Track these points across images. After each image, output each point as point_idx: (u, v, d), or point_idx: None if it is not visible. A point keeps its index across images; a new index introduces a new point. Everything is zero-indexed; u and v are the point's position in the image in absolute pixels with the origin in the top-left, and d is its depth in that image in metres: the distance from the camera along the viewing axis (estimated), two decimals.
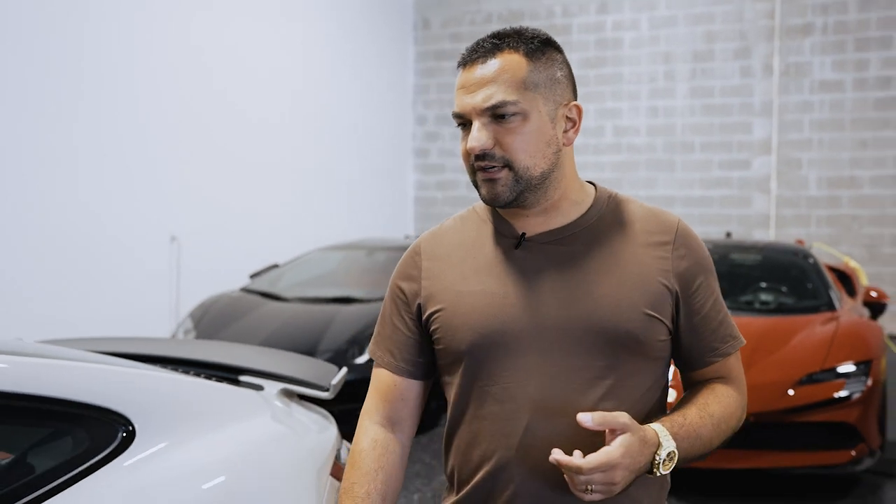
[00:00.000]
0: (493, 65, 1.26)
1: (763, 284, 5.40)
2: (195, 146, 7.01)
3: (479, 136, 1.26)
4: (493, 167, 1.26)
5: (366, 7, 9.37)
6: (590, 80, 9.56)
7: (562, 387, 1.29)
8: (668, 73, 9.27)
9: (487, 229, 1.39)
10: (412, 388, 1.47)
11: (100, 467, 1.72)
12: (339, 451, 2.39)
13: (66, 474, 1.66)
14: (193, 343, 3.81)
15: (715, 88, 9.14)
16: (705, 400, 1.32)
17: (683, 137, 9.22)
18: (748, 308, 5.14)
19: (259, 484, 2.00)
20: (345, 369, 2.81)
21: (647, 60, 9.35)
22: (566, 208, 1.34)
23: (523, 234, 1.34)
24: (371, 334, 5.64)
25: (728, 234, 8.30)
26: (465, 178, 10.03)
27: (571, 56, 9.51)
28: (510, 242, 1.35)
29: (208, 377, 2.44)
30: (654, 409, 1.34)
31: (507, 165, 1.26)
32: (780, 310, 5.07)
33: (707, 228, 9.02)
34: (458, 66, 1.32)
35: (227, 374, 2.60)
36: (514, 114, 1.25)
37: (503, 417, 1.31)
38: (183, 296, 6.85)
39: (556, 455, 1.16)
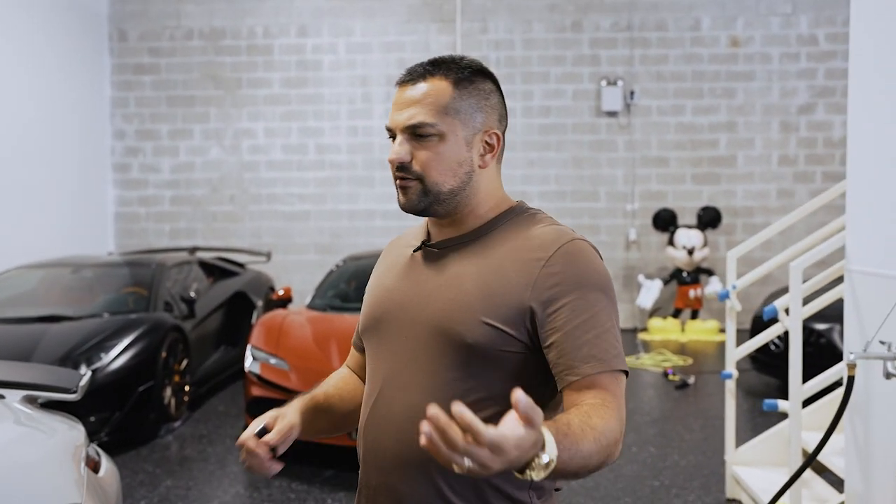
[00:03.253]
0: (421, 88, 1.42)
1: None
2: None
3: (399, 149, 1.42)
4: (408, 178, 1.43)
5: (55, 15, 8.96)
6: (292, 98, 9.99)
7: (408, 374, 1.43)
8: (365, 95, 9.98)
9: (418, 234, 1.57)
10: (362, 360, 1.65)
11: None
12: (88, 448, 2.58)
13: None
14: None
15: None
16: (588, 412, 1.27)
17: (381, 155, 9.96)
18: None
19: (14, 479, 2.16)
20: (89, 372, 2.90)
21: (345, 83, 9.98)
22: (471, 221, 1.47)
23: (424, 241, 1.51)
24: (84, 351, 5.73)
25: None
26: (169, 193, 9.98)
27: (273, 75, 9.92)
28: (416, 246, 1.52)
29: None
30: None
31: (419, 178, 1.42)
32: None
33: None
34: (396, 84, 1.47)
35: None
36: (431, 135, 1.40)
37: (367, 394, 1.51)
38: None
39: (457, 408, 1.05)
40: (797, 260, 3.32)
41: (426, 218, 1.54)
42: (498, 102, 1.48)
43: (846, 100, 10.77)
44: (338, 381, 1.67)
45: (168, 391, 5.65)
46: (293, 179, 10.02)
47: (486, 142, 1.46)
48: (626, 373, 1.37)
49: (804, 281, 3.50)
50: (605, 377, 1.32)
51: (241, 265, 8.26)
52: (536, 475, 1.13)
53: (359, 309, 5.41)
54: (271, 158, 10.03)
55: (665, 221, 9.36)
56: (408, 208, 1.45)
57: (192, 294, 6.44)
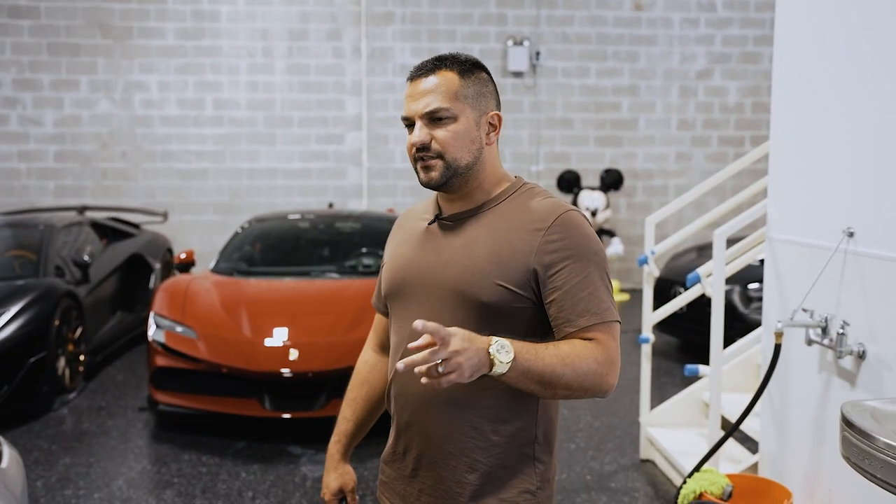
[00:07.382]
0: (432, 80, 1.64)
1: (364, 249, 6.04)
2: None
3: (420, 133, 1.62)
4: (431, 157, 1.62)
5: None
6: (188, 50, 9.49)
7: None
8: (266, 49, 9.58)
9: (429, 208, 1.78)
10: (387, 322, 1.86)
11: None
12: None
13: None
14: None
15: (310, 67, 9.66)
16: (558, 342, 1.55)
17: (283, 112, 9.63)
18: (353, 271, 5.75)
19: None
20: None
21: (245, 36, 9.54)
22: (479, 196, 1.69)
23: (437, 214, 1.72)
24: None
25: (330, 205, 8.97)
26: (54, 148, 9.46)
27: (167, 25, 9.40)
28: (430, 220, 1.73)
29: None
30: None
31: (440, 156, 1.62)
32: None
33: (308, 199, 9.58)
34: (407, 80, 1.69)
35: None
36: (447, 117, 1.62)
37: (396, 346, 1.74)
38: None
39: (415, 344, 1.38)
40: (721, 228, 3.36)
41: (435, 194, 1.76)
42: (494, 90, 1.71)
43: (741, 66, 11.14)
44: (360, 389, 1.92)
45: (62, 361, 5.32)
46: (190, 136, 9.57)
47: (490, 122, 1.69)
48: (619, 322, 1.61)
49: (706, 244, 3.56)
50: (598, 328, 1.57)
51: (136, 226, 7.86)
52: (502, 365, 1.41)
53: (267, 273, 5.35)
54: (166, 113, 9.53)
55: (569, 183, 9.46)
56: (432, 184, 1.65)
57: (86, 257, 6.06)
